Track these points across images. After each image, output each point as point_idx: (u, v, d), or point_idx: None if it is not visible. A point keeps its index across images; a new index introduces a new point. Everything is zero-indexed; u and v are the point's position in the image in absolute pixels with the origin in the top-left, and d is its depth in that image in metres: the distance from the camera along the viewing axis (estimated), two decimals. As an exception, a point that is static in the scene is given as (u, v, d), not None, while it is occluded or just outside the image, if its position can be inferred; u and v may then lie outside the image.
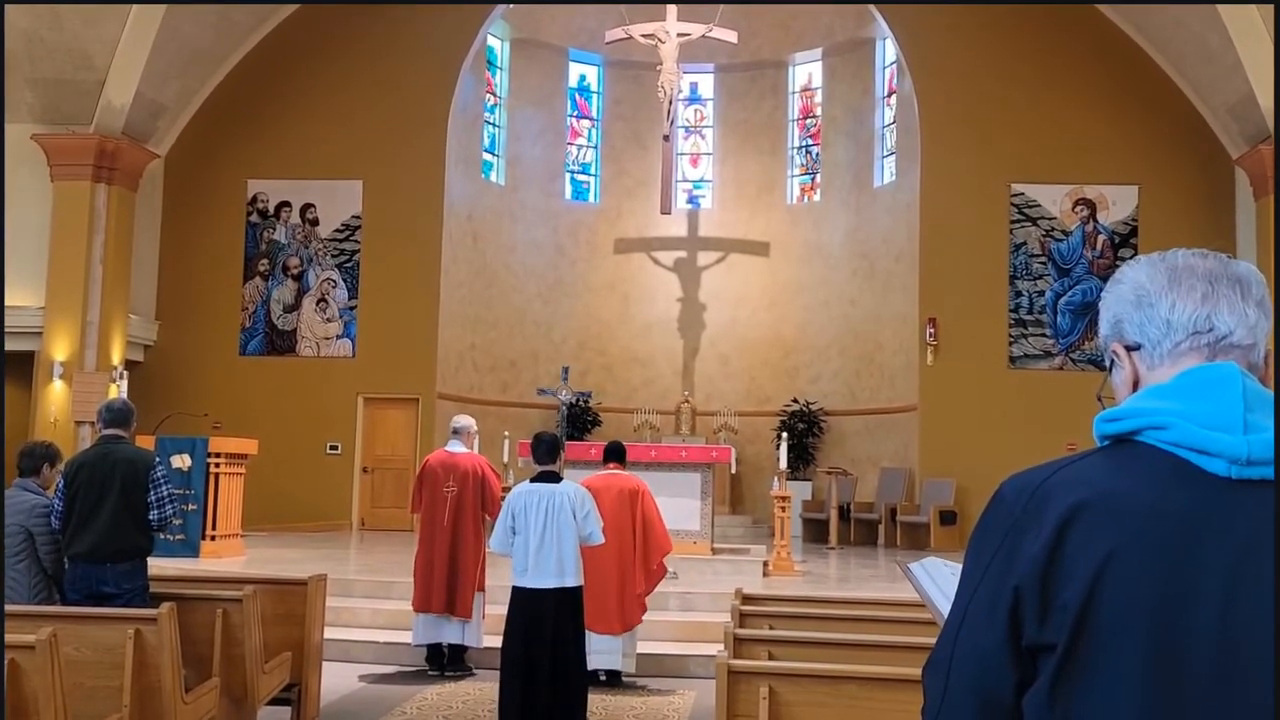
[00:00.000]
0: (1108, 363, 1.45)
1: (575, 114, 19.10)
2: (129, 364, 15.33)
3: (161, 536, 6.16)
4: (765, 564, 11.05)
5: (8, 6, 13.07)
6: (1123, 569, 1.21)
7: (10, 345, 14.48)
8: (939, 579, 1.84)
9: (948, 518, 14.60)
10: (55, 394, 14.40)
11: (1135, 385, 1.39)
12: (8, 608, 5.04)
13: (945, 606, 1.60)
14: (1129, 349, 1.39)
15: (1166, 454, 1.27)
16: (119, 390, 13.99)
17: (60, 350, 14.48)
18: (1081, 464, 1.31)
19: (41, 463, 5.72)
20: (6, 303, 14.46)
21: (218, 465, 11.38)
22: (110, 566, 5.45)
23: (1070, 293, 15.50)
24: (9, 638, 4.08)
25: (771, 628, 5.40)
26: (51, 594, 5.57)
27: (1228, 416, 1.26)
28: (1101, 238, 15.69)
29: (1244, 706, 1.18)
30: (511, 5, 17.44)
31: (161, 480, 5.66)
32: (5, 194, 13.49)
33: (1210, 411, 1.27)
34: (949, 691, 1.34)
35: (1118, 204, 15.71)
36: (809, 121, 18.82)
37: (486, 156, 18.06)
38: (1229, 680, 1.18)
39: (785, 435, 12.85)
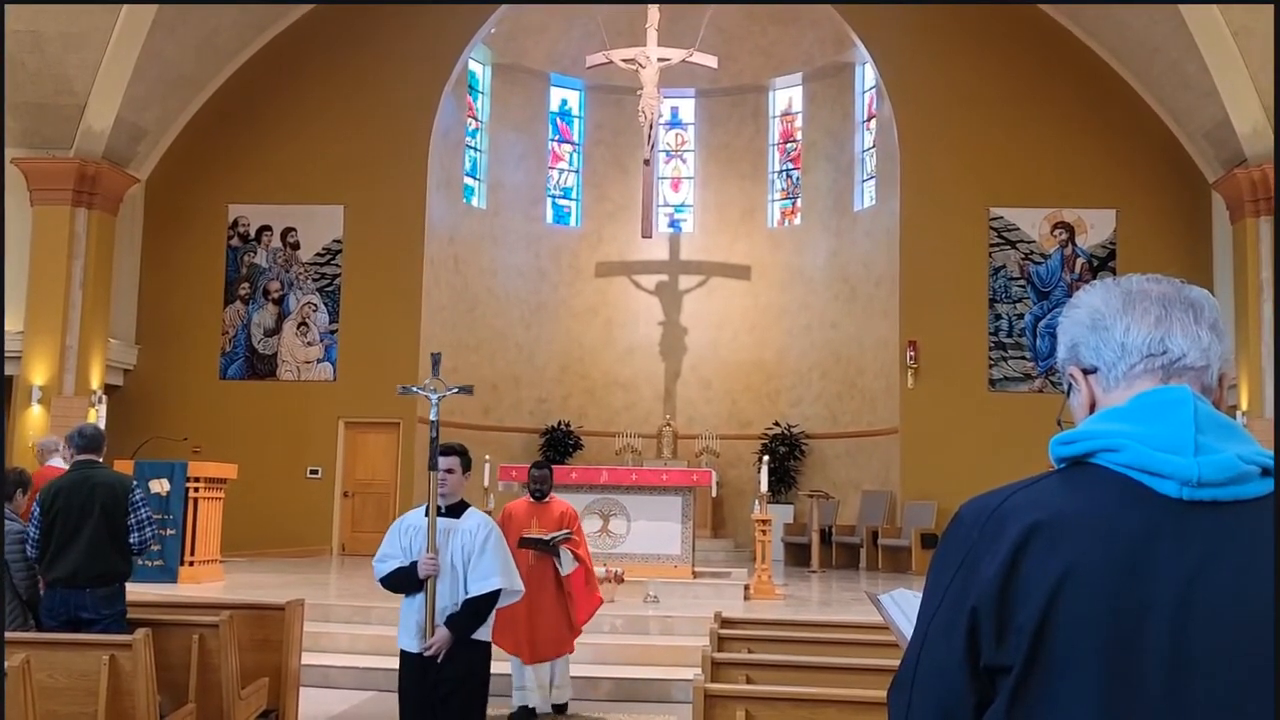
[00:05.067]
0: (1065, 386, 1.47)
1: (556, 138, 19.18)
2: (108, 388, 15.24)
3: (140, 561, 6.13)
4: (746, 587, 11.03)
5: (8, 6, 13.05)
6: (1076, 589, 1.23)
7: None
8: (907, 609, 1.85)
9: (929, 540, 14.62)
10: (33, 418, 14.29)
11: (1092, 408, 1.41)
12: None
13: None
14: (1085, 372, 1.42)
15: (1119, 475, 1.29)
16: (98, 415, 13.92)
17: (39, 374, 14.39)
18: (1037, 486, 1.33)
19: (14, 489, 5.69)
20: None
21: (197, 490, 11.30)
22: (89, 592, 5.42)
23: (1049, 316, 15.60)
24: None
25: (750, 651, 5.40)
26: (26, 620, 5.52)
27: (1179, 439, 1.28)
28: (1080, 261, 15.83)
29: (1197, 725, 1.19)
30: (494, 30, 17.51)
31: (140, 504, 5.64)
32: (5, 196, 13.39)
33: (1162, 434, 1.29)
34: (911, 712, 1.35)
35: (1096, 227, 15.86)
36: (789, 146, 18.96)
37: (468, 180, 18.10)
38: (1181, 701, 1.20)
39: (766, 458, 12.87)
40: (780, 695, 4.01)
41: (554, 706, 7.26)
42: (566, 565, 7.18)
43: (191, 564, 11.14)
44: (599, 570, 9.95)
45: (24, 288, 14.47)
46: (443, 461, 4.88)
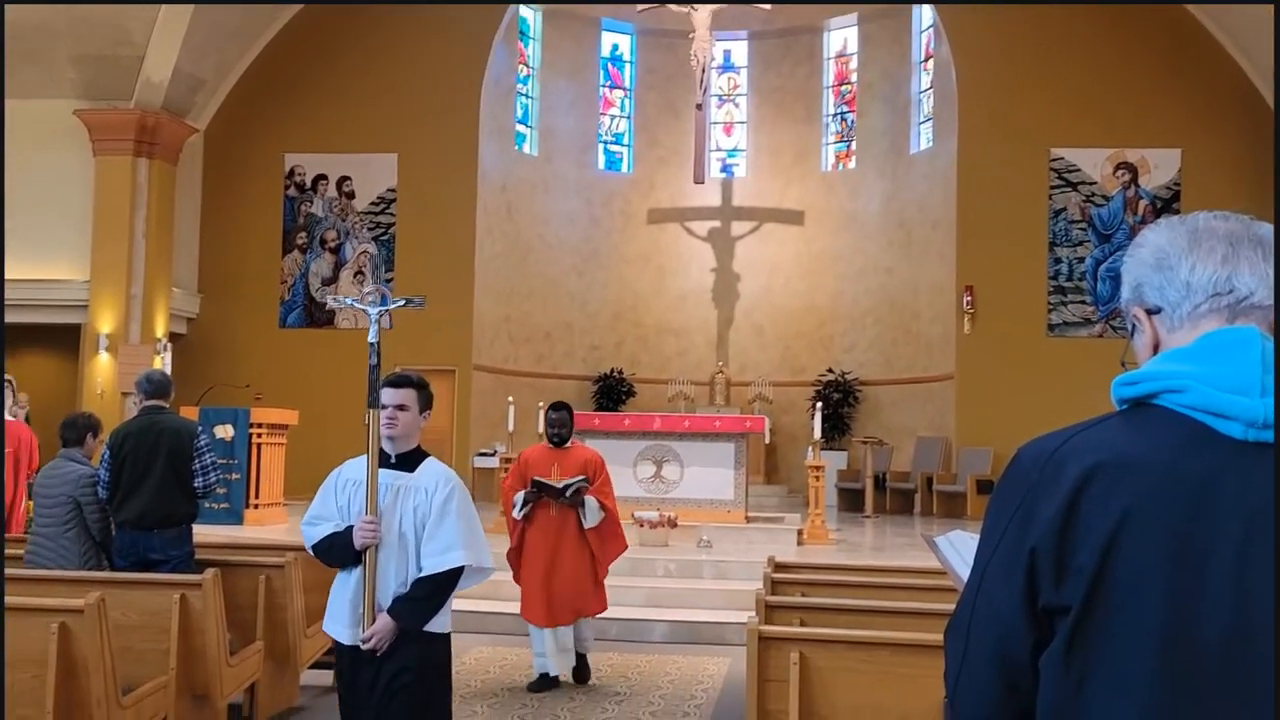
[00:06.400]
0: (1129, 327, 1.45)
1: (608, 84, 19.04)
2: (172, 336, 15.57)
3: (206, 504, 6.29)
4: (799, 532, 11.08)
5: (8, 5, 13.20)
6: (1137, 531, 1.23)
7: (57, 318, 14.81)
8: (964, 551, 1.85)
9: (985, 487, 14.53)
10: (101, 366, 14.66)
11: (1156, 349, 1.39)
12: (58, 573, 5.19)
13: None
14: (1149, 312, 1.40)
15: (1183, 417, 1.28)
16: (163, 362, 14.24)
17: (105, 323, 14.73)
18: (1098, 428, 1.32)
19: (85, 433, 5.87)
20: (53, 277, 14.75)
21: (260, 435, 11.60)
22: (157, 533, 5.58)
23: (1111, 259, 15.30)
24: (59, 602, 4.21)
25: (804, 595, 5.44)
26: (100, 561, 5.71)
27: (1245, 379, 1.26)
28: (1143, 202, 15.46)
29: (1255, 668, 1.19)
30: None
31: (205, 449, 5.78)
32: (5, 178, 13.75)
33: (1228, 374, 1.27)
34: (969, 653, 1.36)
35: (1160, 168, 15.46)
36: (844, 88, 18.64)
37: (520, 128, 18.06)
38: (1241, 641, 1.19)
39: (820, 405, 12.84)
40: (834, 638, 4.04)
41: (573, 667, 6.60)
42: (592, 517, 6.45)
43: (256, 507, 11.46)
44: (652, 514, 10.07)
45: (88, 237, 14.79)
46: (392, 395, 3.74)
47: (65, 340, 15.00)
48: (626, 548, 6.90)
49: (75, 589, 4.52)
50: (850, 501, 16.02)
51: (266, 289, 16.63)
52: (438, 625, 3.64)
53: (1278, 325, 1.32)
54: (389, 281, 16.53)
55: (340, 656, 3.72)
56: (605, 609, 6.70)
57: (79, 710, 4.13)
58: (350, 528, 3.62)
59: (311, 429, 13.46)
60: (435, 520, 3.59)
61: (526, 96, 18.22)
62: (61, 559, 5.55)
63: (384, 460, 3.69)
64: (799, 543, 10.84)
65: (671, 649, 7.85)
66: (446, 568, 3.56)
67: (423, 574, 3.58)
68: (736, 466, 11.43)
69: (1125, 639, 1.22)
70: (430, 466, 3.73)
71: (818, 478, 11.35)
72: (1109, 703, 1.22)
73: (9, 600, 4.24)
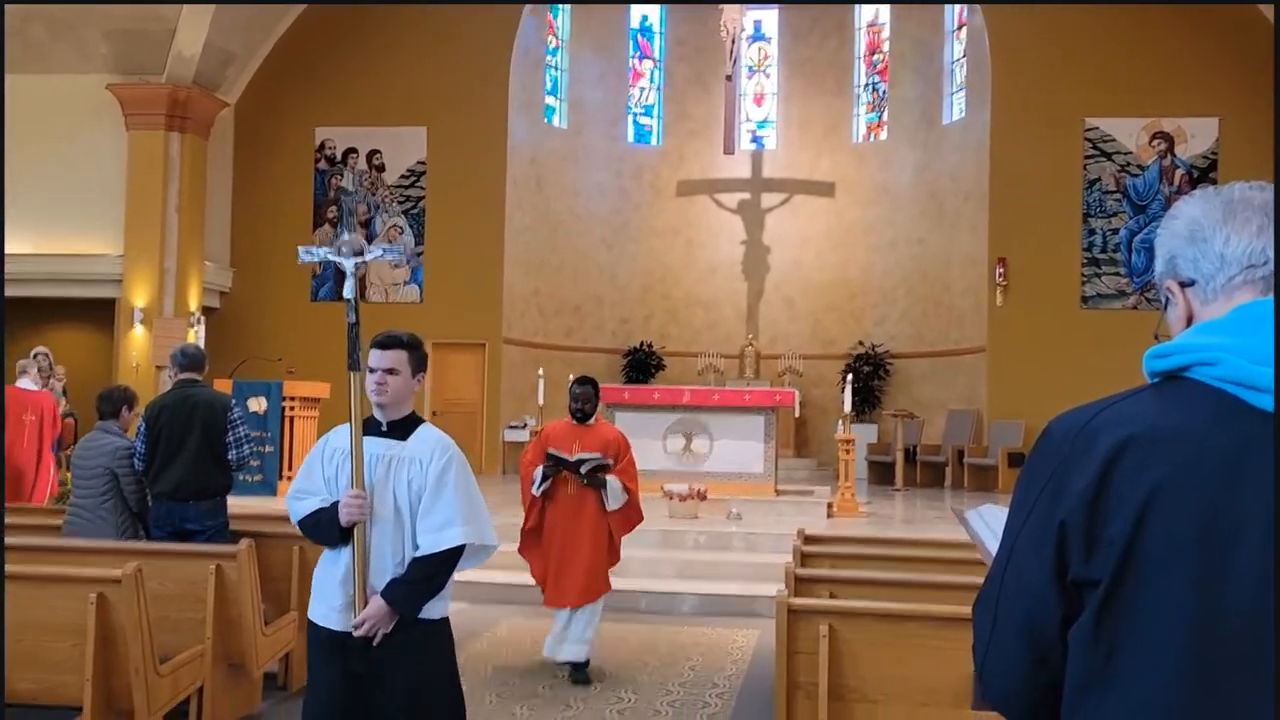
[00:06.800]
0: (1162, 300, 1.44)
1: (637, 55, 18.93)
2: (205, 310, 15.71)
3: (240, 476, 6.36)
4: (829, 505, 11.07)
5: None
6: (1168, 503, 1.22)
7: (91, 292, 15.00)
8: (994, 525, 1.85)
9: (1017, 460, 14.46)
10: (136, 339, 14.83)
11: (1190, 321, 1.38)
12: (96, 544, 5.28)
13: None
14: (1183, 285, 1.38)
15: (1215, 390, 1.27)
16: (197, 336, 14.39)
17: (140, 297, 14.89)
18: (1129, 401, 1.31)
19: (120, 406, 5.95)
20: (88, 251, 14.91)
21: (292, 408, 11.71)
22: (193, 504, 5.66)
23: (1146, 230, 15.10)
24: (97, 572, 4.28)
25: (834, 568, 5.44)
26: (137, 531, 5.81)
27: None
28: (1180, 172, 15.24)
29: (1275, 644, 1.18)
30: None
31: (239, 422, 5.85)
32: (4, 162, 13.87)
33: (1261, 346, 1.26)
34: (998, 626, 1.36)
35: (1197, 137, 15.22)
36: (875, 58, 18.44)
37: (549, 100, 18.01)
38: (1264, 617, 1.19)
39: (850, 378, 12.79)
40: (863, 611, 4.04)
41: (571, 665, 6.14)
42: (614, 500, 6.09)
43: (289, 479, 11.56)
44: (682, 487, 10.08)
45: (122, 212, 14.93)
46: (381, 357, 3.38)
47: (100, 314, 15.19)
48: (642, 519, 6.53)
49: (113, 559, 4.60)
50: (880, 475, 15.99)
51: (298, 263, 16.69)
52: (434, 611, 3.29)
53: (1278, 301, 1.29)
54: (419, 254, 16.57)
55: (319, 645, 3.29)
56: (609, 589, 6.31)
57: (117, 678, 4.21)
58: (337, 503, 3.26)
59: (343, 402, 13.53)
60: (431, 493, 3.24)
61: (556, 69, 18.16)
62: (99, 530, 5.65)
63: (374, 428, 3.36)
64: (829, 515, 10.83)
65: (701, 621, 7.89)
66: (444, 547, 3.21)
67: (419, 554, 3.23)
68: (766, 439, 11.43)
69: (1155, 612, 1.22)
70: (425, 434, 3.36)
71: (848, 451, 11.33)
72: (1138, 675, 1.22)
73: (48, 570, 4.32)
